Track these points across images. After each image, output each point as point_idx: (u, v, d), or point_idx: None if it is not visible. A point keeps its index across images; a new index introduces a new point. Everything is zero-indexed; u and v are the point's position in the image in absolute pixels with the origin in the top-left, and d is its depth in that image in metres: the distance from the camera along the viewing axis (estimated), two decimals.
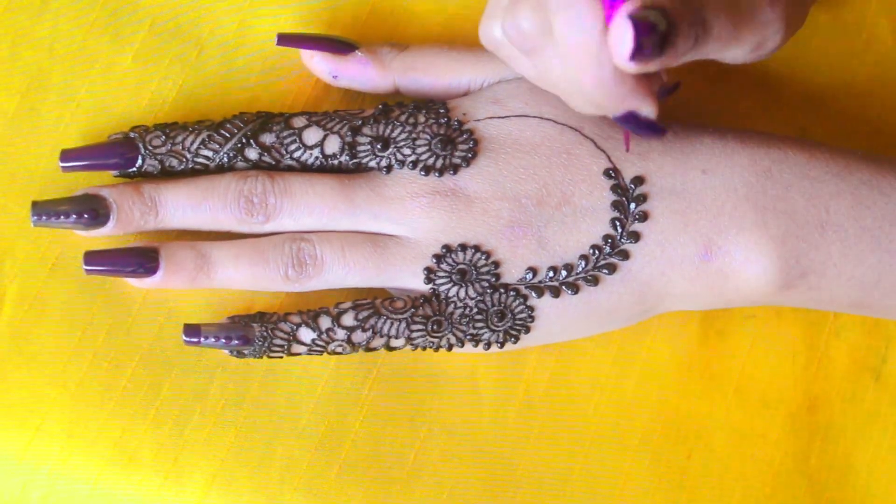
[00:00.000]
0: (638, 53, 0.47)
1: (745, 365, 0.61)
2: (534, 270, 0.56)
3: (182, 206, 0.56)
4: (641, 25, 0.47)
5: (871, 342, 0.62)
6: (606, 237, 0.56)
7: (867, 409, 0.61)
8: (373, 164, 0.57)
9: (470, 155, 0.56)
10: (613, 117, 0.52)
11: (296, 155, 0.57)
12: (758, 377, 0.61)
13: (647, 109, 0.51)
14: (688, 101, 0.62)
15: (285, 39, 0.58)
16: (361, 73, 0.59)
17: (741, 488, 0.60)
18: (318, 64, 0.59)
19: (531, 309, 0.56)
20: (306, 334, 0.56)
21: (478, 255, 0.56)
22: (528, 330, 0.57)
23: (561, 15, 0.49)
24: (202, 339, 0.56)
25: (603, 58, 0.49)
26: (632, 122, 0.51)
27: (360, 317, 0.56)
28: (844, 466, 0.61)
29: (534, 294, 0.56)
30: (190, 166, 0.57)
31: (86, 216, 0.56)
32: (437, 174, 0.56)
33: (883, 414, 0.61)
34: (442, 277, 0.56)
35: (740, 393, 0.61)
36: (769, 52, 0.53)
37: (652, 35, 0.47)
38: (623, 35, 0.47)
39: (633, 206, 0.56)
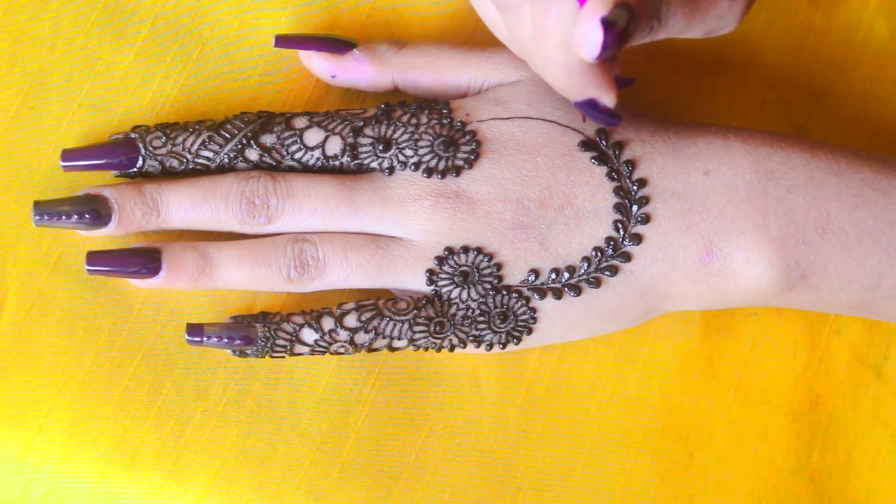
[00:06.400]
0: (603, 51, 0.47)
1: (747, 363, 0.61)
2: (536, 272, 0.56)
3: (184, 207, 0.56)
4: (611, 26, 0.47)
5: (873, 340, 0.62)
6: (609, 239, 0.56)
7: (868, 406, 0.61)
8: (374, 165, 0.57)
9: (472, 157, 0.56)
10: (574, 103, 0.52)
11: (297, 156, 0.57)
12: (759, 375, 0.61)
13: (608, 99, 0.52)
14: (688, 100, 0.62)
15: (283, 41, 0.58)
16: (359, 72, 0.59)
17: (743, 486, 0.60)
18: (317, 64, 0.59)
19: (533, 310, 0.56)
20: (309, 335, 0.56)
21: (480, 257, 0.56)
22: (530, 331, 0.57)
23: (539, 1, 0.49)
24: (205, 339, 0.56)
25: (571, 48, 0.49)
26: (591, 109, 0.52)
27: (363, 318, 0.56)
28: (846, 464, 0.61)
29: (536, 296, 0.56)
30: (190, 167, 0.57)
31: (87, 216, 0.56)
32: (439, 176, 0.56)
33: (884, 411, 0.61)
34: (444, 279, 0.56)
35: (742, 391, 0.61)
36: (720, 34, 0.53)
37: (615, 33, 0.47)
38: (593, 35, 0.47)
39: (635, 208, 0.56)
